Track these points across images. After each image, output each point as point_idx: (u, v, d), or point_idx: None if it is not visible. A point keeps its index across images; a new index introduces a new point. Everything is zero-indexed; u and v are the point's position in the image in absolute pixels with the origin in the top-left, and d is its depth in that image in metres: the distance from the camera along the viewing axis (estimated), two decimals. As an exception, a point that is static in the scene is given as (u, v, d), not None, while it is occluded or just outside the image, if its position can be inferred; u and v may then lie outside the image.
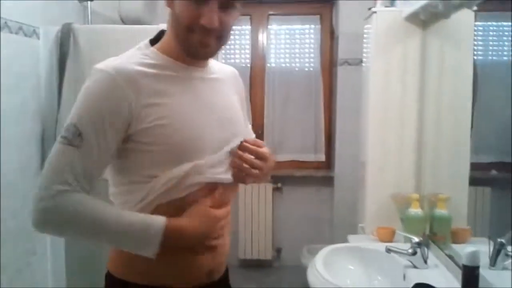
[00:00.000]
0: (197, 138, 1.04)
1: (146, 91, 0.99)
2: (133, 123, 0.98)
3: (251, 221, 3.65)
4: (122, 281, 1.06)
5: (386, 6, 2.35)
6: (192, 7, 0.98)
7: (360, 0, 3.13)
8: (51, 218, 0.94)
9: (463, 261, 1.37)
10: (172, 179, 1.01)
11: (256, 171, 1.12)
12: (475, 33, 1.83)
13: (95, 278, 1.21)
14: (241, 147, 1.11)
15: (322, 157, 3.73)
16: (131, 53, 1.06)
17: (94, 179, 0.97)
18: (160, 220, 0.97)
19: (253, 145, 1.14)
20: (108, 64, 0.99)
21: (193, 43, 1.01)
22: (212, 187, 1.06)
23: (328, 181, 3.63)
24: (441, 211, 1.89)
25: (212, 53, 1.06)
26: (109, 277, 1.10)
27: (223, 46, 1.08)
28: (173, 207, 1.02)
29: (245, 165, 1.12)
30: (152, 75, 1.02)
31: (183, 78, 1.07)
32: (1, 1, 1.77)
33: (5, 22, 1.80)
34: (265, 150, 1.16)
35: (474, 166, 1.77)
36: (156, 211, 1.01)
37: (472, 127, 1.78)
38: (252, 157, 1.13)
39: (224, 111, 1.13)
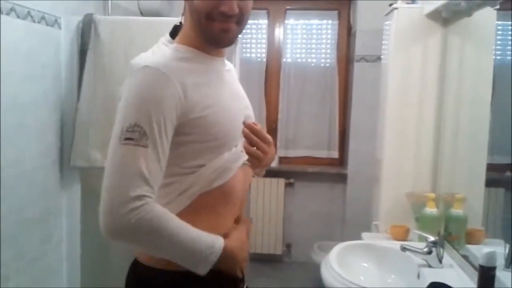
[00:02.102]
0: (235, 127, 1.08)
1: (190, 85, 1.00)
2: (180, 117, 0.98)
3: (263, 216, 3.66)
4: (150, 268, 1.07)
5: (407, 2, 2.33)
6: None
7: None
8: (129, 231, 0.92)
9: (480, 261, 1.37)
10: (218, 169, 1.04)
11: (261, 154, 1.11)
12: (496, 32, 1.81)
13: (110, 266, 1.23)
14: (250, 128, 1.10)
15: (335, 154, 3.72)
16: (160, 49, 1.07)
17: (161, 179, 0.97)
18: (220, 243, 1.00)
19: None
20: (151, 60, 0.99)
21: (214, 30, 1.02)
22: (243, 169, 1.12)
23: (341, 178, 3.62)
24: (457, 211, 1.88)
25: (234, 38, 1.07)
26: (135, 264, 1.11)
27: (242, 31, 1.09)
28: (214, 195, 1.05)
29: (254, 149, 1.11)
30: (188, 68, 1.03)
31: (212, 69, 1.10)
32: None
33: (28, 12, 1.82)
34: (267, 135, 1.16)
35: (488, 167, 1.76)
36: (198, 200, 1.04)
37: (490, 127, 1.77)
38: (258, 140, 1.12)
39: (244, 99, 1.21)
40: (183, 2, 1.09)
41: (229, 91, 1.12)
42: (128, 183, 0.91)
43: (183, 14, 1.11)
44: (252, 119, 1.18)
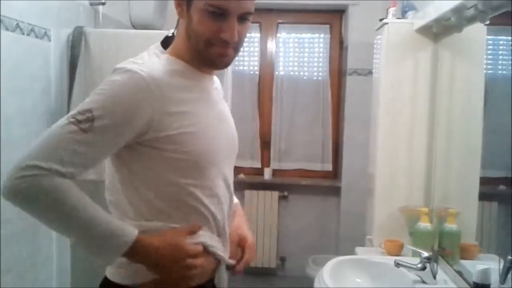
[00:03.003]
0: (217, 146, 1.07)
1: (172, 99, 1.00)
2: (153, 128, 0.97)
3: (256, 229, 3.62)
4: (120, 285, 1.05)
5: (398, 18, 2.34)
6: (212, 21, 1.00)
7: (369, 10, 3.14)
8: (31, 191, 0.90)
9: (474, 278, 1.35)
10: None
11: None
12: (486, 47, 1.82)
13: (100, 279, 1.20)
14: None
15: (329, 167, 3.71)
16: (149, 57, 1.06)
17: (86, 169, 0.95)
18: (133, 232, 0.96)
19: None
20: (138, 67, 0.98)
21: (212, 55, 1.03)
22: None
23: (335, 191, 3.61)
24: (450, 226, 1.86)
25: (230, 62, 1.08)
26: (105, 284, 1.09)
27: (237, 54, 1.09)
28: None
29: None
30: (176, 83, 1.03)
31: (200, 86, 1.09)
32: (14, 3, 1.77)
33: (17, 24, 1.80)
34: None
35: (482, 181, 1.75)
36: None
37: (482, 141, 1.77)
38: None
39: (228, 119, 1.19)
40: (175, 15, 1.08)
41: (215, 111, 1.12)
42: (51, 153, 0.91)
43: (176, 28, 1.10)
44: (235, 139, 1.19)
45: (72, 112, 0.95)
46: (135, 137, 0.98)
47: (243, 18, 1.02)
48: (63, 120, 0.94)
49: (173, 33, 1.12)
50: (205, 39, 1.01)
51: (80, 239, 0.96)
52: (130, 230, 0.96)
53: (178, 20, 1.08)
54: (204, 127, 1.04)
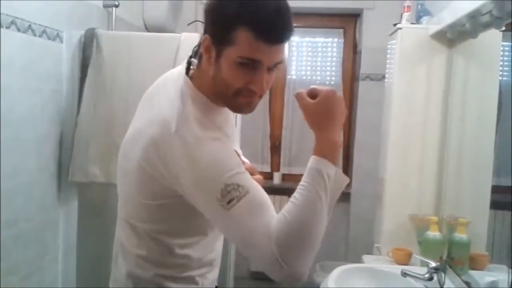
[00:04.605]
0: None
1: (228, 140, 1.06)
2: None
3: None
4: None
5: (412, 23, 2.31)
6: (242, 72, 0.99)
7: (384, 15, 3.10)
8: (288, 241, 0.93)
9: (482, 291, 1.32)
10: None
11: None
12: (502, 53, 1.79)
13: (106, 283, 1.20)
14: None
15: (339, 172, 3.66)
16: (183, 102, 1.03)
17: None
18: (313, 160, 0.99)
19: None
20: (200, 126, 0.99)
21: (239, 104, 1.04)
22: None
23: (345, 197, 3.57)
24: (460, 235, 1.83)
25: (254, 108, 1.08)
26: None
27: None
28: None
29: None
30: (212, 128, 1.04)
31: (224, 124, 1.11)
32: (26, 4, 1.79)
33: (29, 25, 1.82)
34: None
35: (494, 189, 1.72)
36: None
37: (494, 149, 1.73)
38: None
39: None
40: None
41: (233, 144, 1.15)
42: (264, 233, 0.93)
43: (199, 61, 1.07)
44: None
45: (216, 203, 0.94)
46: None
47: (272, 68, 1.01)
48: (224, 214, 0.94)
49: (191, 56, 1.10)
50: (235, 90, 1.01)
51: (326, 211, 0.99)
52: (314, 164, 0.99)
53: (201, 54, 1.05)
54: None
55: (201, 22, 1.06)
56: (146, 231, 1.08)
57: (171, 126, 0.98)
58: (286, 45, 1.04)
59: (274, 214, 0.96)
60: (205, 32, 1.02)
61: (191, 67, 1.09)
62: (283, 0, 0.99)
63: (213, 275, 1.19)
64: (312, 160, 0.99)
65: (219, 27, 0.99)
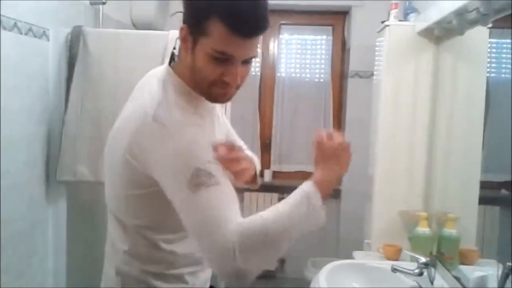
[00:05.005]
0: None
1: (208, 131, 1.05)
2: None
3: (255, 231, 3.60)
4: None
5: (400, 20, 2.32)
6: (216, 65, 0.99)
7: (373, 12, 3.11)
8: (247, 245, 0.90)
9: (471, 286, 1.33)
10: None
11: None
12: (489, 50, 1.80)
13: (97, 281, 1.19)
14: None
15: (329, 169, 3.67)
16: (165, 90, 1.04)
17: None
18: (309, 185, 1.00)
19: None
20: (179, 114, 1.00)
21: (214, 94, 1.04)
22: None
23: (335, 194, 3.58)
24: (449, 231, 1.84)
25: (230, 99, 1.08)
26: None
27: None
28: None
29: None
30: (194, 115, 1.04)
31: (207, 113, 1.10)
32: (12, 2, 1.77)
33: (15, 23, 1.79)
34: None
35: (483, 185, 1.73)
36: None
37: (483, 145, 1.75)
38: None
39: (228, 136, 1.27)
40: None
41: (218, 135, 1.14)
42: (223, 223, 0.91)
43: (179, 50, 1.07)
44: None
45: (184, 184, 0.93)
46: None
47: (246, 61, 1.01)
48: (189, 196, 0.93)
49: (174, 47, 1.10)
50: (209, 81, 1.01)
51: (296, 230, 0.98)
52: (307, 188, 1.00)
53: (185, 40, 1.04)
54: None
55: (182, 12, 1.06)
56: (131, 226, 1.07)
57: (150, 113, 0.98)
58: (262, 38, 1.04)
59: (239, 214, 0.94)
60: (184, 21, 1.02)
61: (175, 58, 1.10)
62: None
63: (206, 274, 1.18)
64: (309, 184, 1.00)
65: (194, 17, 0.99)
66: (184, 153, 0.95)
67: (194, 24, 0.98)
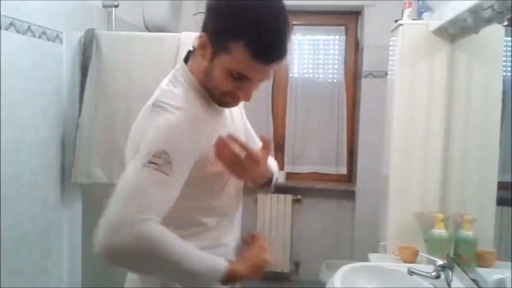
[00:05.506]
0: None
1: (207, 129, 1.04)
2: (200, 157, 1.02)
3: (270, 232, 3.59)
4: None
5: (413, 19, 2.29)
6: (232, 81, 1.01)
7: (385, 11, 3.09)
8: (129, 249, 0.90)
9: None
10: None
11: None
12: (504, 48, 1.76)
13: (112, 284, 1.20)
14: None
15: (343, 170, 3.66)
16: (181, 85, 1.06)
17: (170, 205, 0.96)
18: (223, 264, 1.00)
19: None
20: (181, 102, 1.02)
21: (225, 102, 1.08)
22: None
23: (349, 195, 3.55)
24: (466, 232, 1.80)
25: (237, 105, 1.13)
26: None
27: None
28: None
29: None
30: (206, 113, 1.06)
31: (213, 110, 1.11)
32: (25, 5, 1.78)
33: (28, 26, 1.81)
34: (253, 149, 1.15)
35: (501, 186, 1.70)
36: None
37: (500, 144, 1.71)
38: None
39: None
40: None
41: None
42: (139, 204, 0.91)
43: (198, 52, 1.07)
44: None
45: (144, 155, 0.94)
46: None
47: (261, 80, 1.04)
48: (137, 166, 0.94)
49: (194, 47, 1.11)
50: (221, 91, 1.04)
51: (177, 277, 0.99)
52: (220, 265, 1.00)
53: (203, 39, 1.05)
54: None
55: (203, 13, 1.06)
56: None
57: (152, 102, 1.03)
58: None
59: (160, 215, 0.93)
60: (204, 29, 1.03)
61: (189, 56, 1.12)
62: (283, 11, 0.99)
63: None
64: (225, 264, 1.00)
65: (218, 34, 1.00)
66: (161, 131, 0.97)
67: (217, 40, 1.00)
